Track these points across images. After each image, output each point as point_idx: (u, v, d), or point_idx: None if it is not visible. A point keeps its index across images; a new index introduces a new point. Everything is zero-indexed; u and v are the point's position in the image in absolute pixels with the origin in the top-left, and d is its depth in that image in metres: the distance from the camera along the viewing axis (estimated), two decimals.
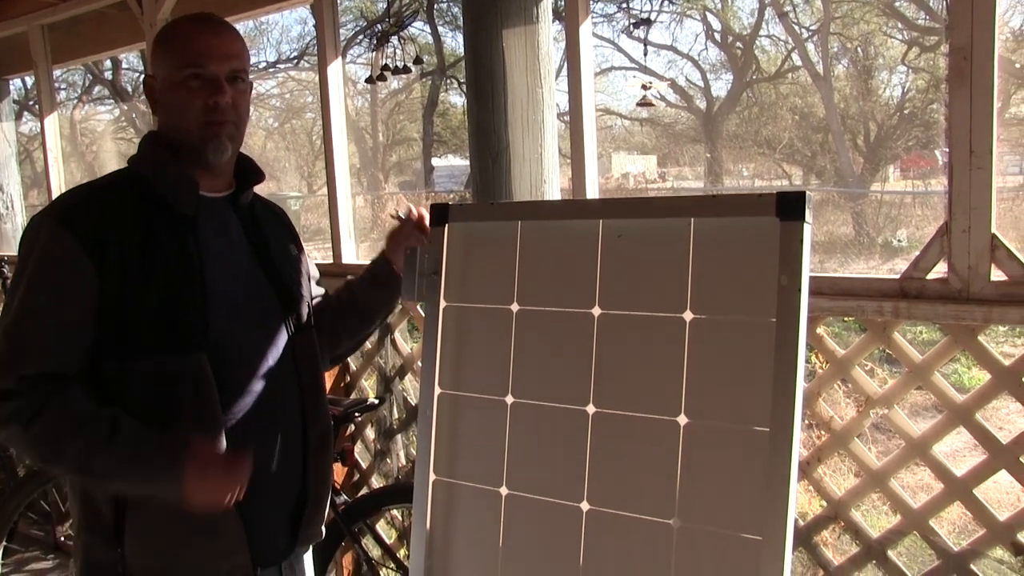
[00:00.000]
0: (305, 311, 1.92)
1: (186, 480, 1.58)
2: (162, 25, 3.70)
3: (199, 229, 1.74)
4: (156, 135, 1.82)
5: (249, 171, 1.87)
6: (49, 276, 1.62)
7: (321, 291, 2.08)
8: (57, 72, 4.90)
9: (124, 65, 22.60)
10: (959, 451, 5.36)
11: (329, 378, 3.26)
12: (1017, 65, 17.75)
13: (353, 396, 3.42)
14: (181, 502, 1.59)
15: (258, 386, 1.78)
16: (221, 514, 1.71)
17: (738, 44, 23.64)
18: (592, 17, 2.61)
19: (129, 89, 23.73)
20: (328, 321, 2.05)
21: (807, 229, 1.47)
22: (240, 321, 1.76)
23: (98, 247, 1.62)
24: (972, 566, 2.13)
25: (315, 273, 2.05)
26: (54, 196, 4.43)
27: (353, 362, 3.44)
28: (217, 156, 1.76)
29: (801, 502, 2.91)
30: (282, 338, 1.84)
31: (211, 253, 1.75)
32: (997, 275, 1.97)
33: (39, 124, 4.57)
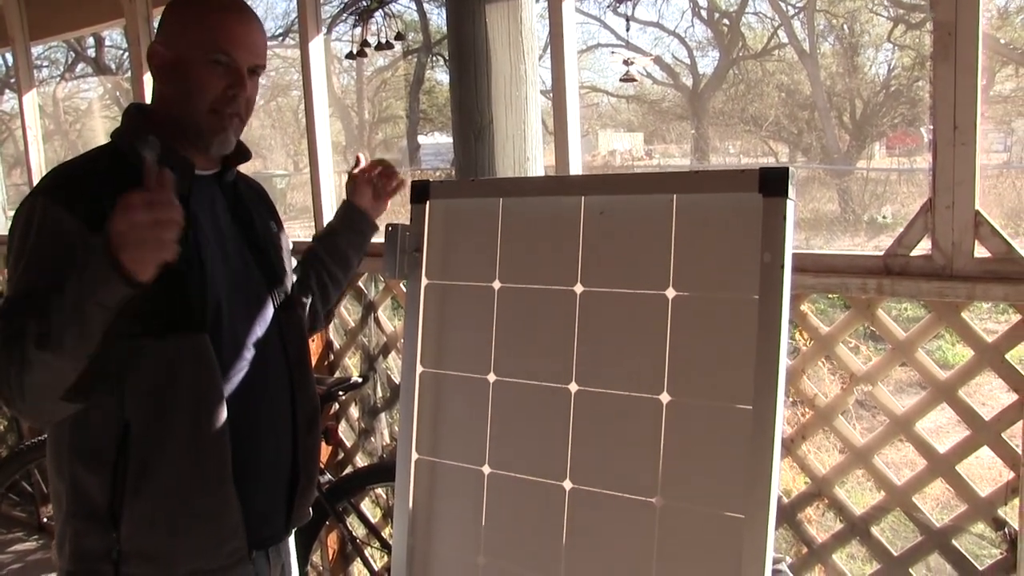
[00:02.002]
0: (290, 287, 1.92)
1: (117, 248, 1.39)
2: (142, 1, 3.67)
3: (190, 208, 1.72)
4: (141, 108, 1.79)
5: (236, 149, 1.85)
6: (53, 249, 1.57)
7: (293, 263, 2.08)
8: (38, 49, 4.85)
9: (107, 42, 22.42)
10: (943, 427, 5.38)
11: (312, 356, 3.25)
12: (1002, 42, 17.76)
13: (337, 375, 3.41)
14: (129, 270, 1.40)
15: (248, 364, 1.77)
16: (221, 498, 1.70)
17: (724, 21, 23.58)
18: None
19: (113, 67, 23.53)
20: (315, 280, 2.09)
21: (790, 205, 1.46)
22: (230, 299, 1.74)
23: (96, 220, 1.54)
24: (954, 541, 2.14)
25: (288, 245, 2.05)
26: (34, 175, 4.40)
27: (337, 340, 3.43)
28: (221, 149, 1.76)
29: (785, 479, 2.92)
30: (269, 314, 1.83)
31: (203, 232, 1.73)
32: (981, 252, 1.97)
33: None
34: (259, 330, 1.80)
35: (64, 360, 1.47)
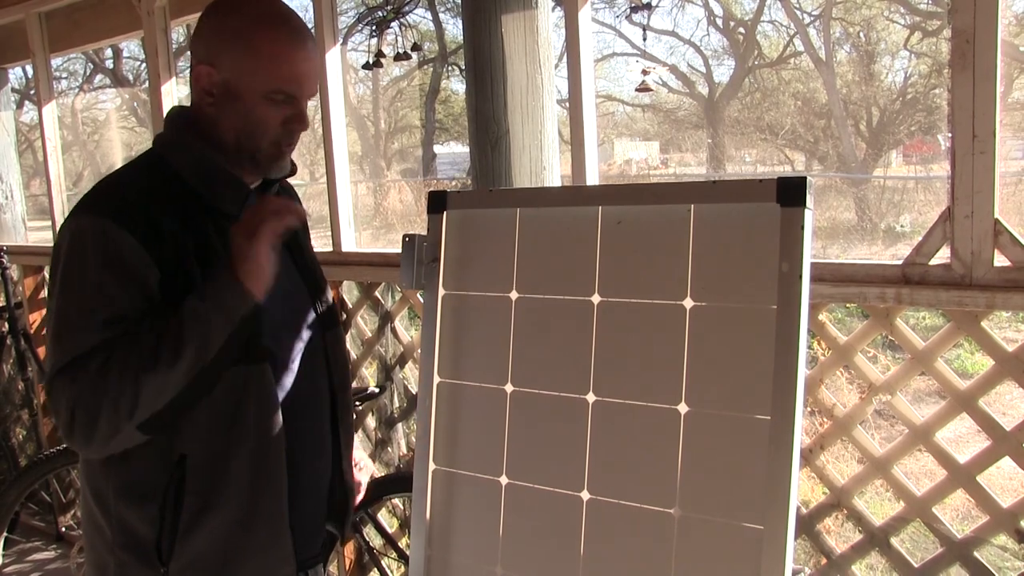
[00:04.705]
0: (330, 299, 1.89)
1: (247, 273, 1.53)
2: (160, 13, 3.70)
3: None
4: (187, 121, 1.69)
5: None
6: (114, 273, 1.51)
7: None
8: (57, 61, 4.87)
9: (125, 53, 22.60)
10: (962, 437, 5.35)
11: None
12: (1021, 49, 17.68)
13: (354, 385, 3.41)
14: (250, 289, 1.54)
15: (297, 386, 1.74)
16: (277, 529, 1.68)
17: (740, 29, 23.59)
18: (593, 3, 2.60)
19: (130, 78, 23.71)
20: None
21: (808, 215, 1.46)
22: (283, 321, 1.71)
23: (155, 243, 1.53)
24: (975, 553, 2.12)
25: None
26: (53, 186, 4.42)
27: (354, 350, 3.43)
28: (277, 174, 1.74)
29: (803, 490, 2.91)
30: (316, 335, 1.81)
31: None
32: (1000, 261, 1.96)
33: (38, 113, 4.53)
34: (307, 351, 1.78)
35: (178, 375, 1.49)
